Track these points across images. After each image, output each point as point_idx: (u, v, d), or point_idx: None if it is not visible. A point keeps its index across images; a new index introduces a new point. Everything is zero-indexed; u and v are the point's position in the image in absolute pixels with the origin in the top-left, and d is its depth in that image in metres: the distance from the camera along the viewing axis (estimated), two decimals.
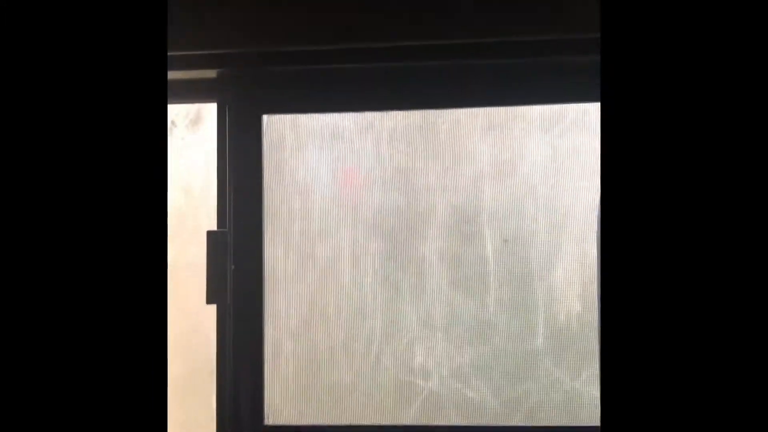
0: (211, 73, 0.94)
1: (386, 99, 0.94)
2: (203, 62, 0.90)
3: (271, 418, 0.93)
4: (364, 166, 0.94)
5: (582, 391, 0.88)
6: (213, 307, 0.94)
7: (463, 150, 0.92)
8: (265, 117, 0.95)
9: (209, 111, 0.98)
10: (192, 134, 1.15)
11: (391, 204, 0.93)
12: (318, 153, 0.95)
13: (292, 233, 0.95)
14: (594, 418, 0.87)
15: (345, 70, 0.91)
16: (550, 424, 0.88)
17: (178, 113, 1.20)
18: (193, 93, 0.96)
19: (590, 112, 0.90)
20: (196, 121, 1.01)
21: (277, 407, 0.94)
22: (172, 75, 0.84)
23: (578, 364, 0.88)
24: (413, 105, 0.93)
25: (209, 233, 0.94)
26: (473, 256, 0.91)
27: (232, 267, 0.94)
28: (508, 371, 0.90)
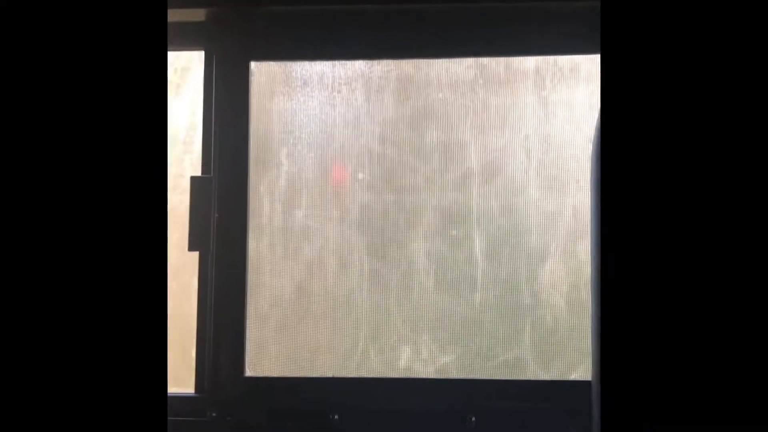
0: (199, 15, 0.92)
1: (378, 46, 0.92)
2: (193, 2, 0.89)
3: (251, 370, 0.93)
4: (353, 115, 0.93)
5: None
6: (195, 255, 0.92)
7: (456, 104, 0.91)
8: (253, 64, 0.94)
9: (198, 58, 0.96)
10: (179, 80, 1.13)
11: (378, 154, 0.92)
12: (306, 101, 0.94)
13: (279, 181, 0.94)
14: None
15: (333, 13, 0.89)
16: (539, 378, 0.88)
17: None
18: (182, 39, 0.94)
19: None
20: (186, 68, 1.00)
21: (258, 358, 0.93)
22: None
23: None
24: (405, 53, 0.92)
25: (193, 179, 0.92)
26: (462, 207, 0.90)
27: (216, 215, 0.92)
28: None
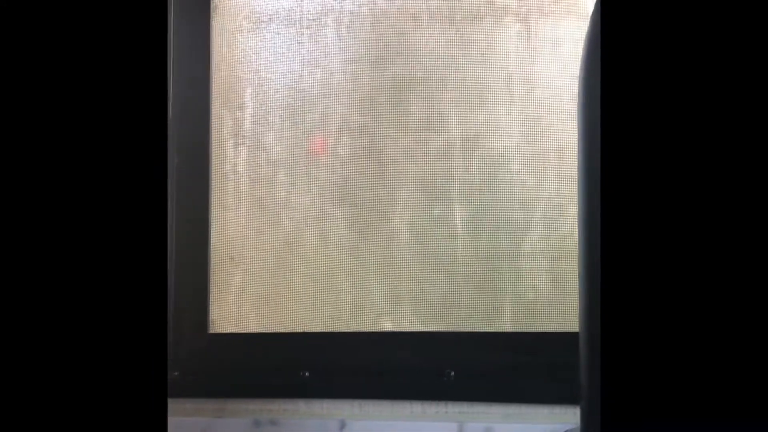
0: None
1: None
2: None
3: (215, 326, 0.87)
4: (323, 52, 0.87)
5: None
6: None
7: (429, 41, 0.85)
8: None
9: None
10: None
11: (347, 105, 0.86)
12: (272, 39, 0.87)
13: (243, 123, 0.87)
14: None
15: None
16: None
17: None
18: None
19: None
20: None
21: (221, 314, 0.87)
22: None
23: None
24: None
25: None
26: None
27: (176, 160, 0.86)
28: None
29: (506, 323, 0.84)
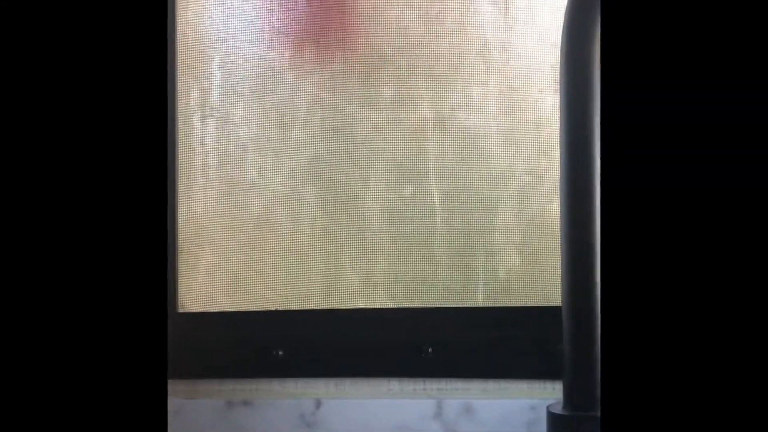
0: None
1: None
2: None
3: (184, 306, 0.84)
4: (294, 20, 0.83)
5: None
6: None
7: (402, 14, 0.83)
8: None
9: None
10: None
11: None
12: (240, 6, 0.84)
13: (210, 94, 0.84)
14: None
15: None
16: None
17: None
18: None
19: None
20: None
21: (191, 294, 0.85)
22: None
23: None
24: None
25: None
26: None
27: None
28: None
29: (481, 298, 0.83)
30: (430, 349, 0.81)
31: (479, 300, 0.82)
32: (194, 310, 0.84)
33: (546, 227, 0.82)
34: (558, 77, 0.75)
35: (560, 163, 0.64)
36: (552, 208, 0.82)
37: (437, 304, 0.82)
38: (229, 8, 0.84)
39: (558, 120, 0.65)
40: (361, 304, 0.83)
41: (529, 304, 0.82)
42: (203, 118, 0.84)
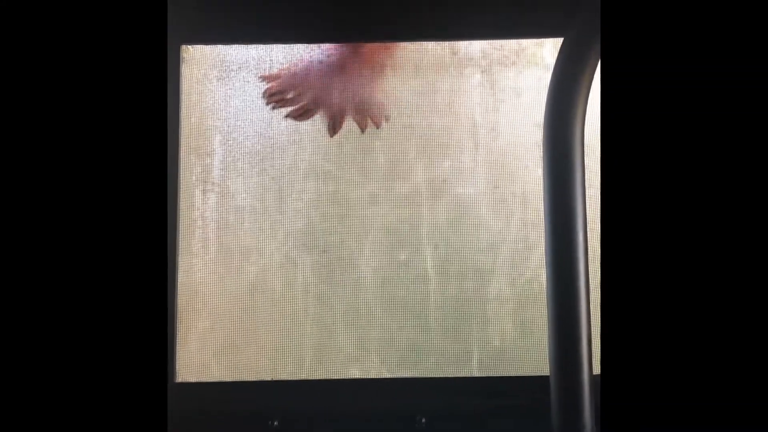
0: None
1: (317, 28, 0.87)
2: None
3: (180, 376, 0.86)
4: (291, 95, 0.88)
5: None
6: None
7: (395, 90, 0.87)
8: (183, 47, 0.88)
9: None
10: None
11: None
12: (241, 87, 0.88)
13: (212, 169, 0.87)
14: None
15: None
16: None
17: None
18: None
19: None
20: None
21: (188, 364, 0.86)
22: None
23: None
24: (352, 36, 0.87)
25: None
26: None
27: None
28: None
29: (475, 368, 0.84)
30: (423, 420, 0.82)
31: (472, 369, 0.84)
32: (190, 380, 0.86)
33: (537, 296, 0.84)
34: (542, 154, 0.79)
35: (545, 236, 0.67)
36: (542, 277, 0.84)
37: (431, 374, 0.84)
38: (230, 90, 0.88)
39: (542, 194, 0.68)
40: (355, 373, 0.85)
41: (523, 373, 0.83)
42: (204, 192, 0.87)
